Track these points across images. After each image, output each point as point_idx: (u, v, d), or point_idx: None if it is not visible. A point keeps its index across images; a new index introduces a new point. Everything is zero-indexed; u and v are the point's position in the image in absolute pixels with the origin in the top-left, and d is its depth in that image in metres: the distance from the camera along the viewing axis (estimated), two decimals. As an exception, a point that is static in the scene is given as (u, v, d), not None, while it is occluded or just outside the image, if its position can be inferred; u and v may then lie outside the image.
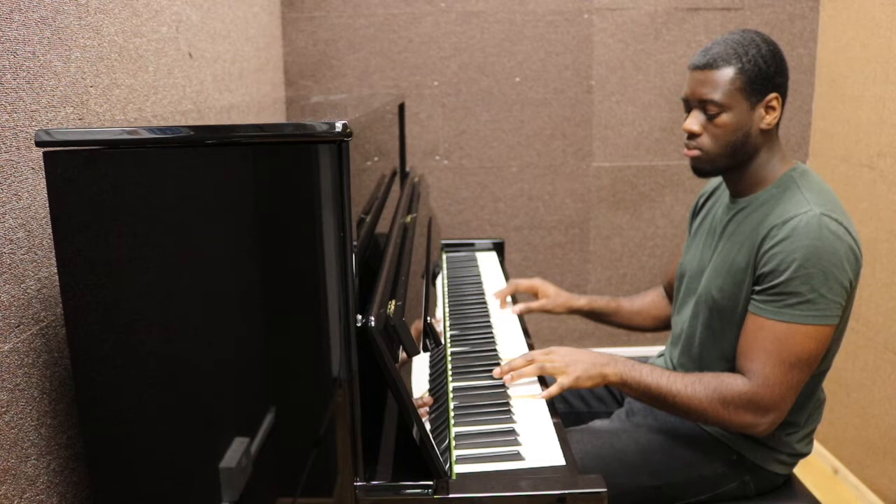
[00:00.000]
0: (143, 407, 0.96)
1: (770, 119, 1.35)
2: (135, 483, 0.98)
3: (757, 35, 1.35)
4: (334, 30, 2.72)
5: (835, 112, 2.52)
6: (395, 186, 1.85)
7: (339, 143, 0.91)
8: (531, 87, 2.77)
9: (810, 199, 1.29)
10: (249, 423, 0.96)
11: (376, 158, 1.46)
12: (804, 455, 1.45)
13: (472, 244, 2.34)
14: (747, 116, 1.34)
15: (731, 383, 1.30)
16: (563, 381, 1.34)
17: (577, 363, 1.36)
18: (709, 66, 1.33)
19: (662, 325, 1.79)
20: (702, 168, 1.39)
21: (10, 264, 0.98)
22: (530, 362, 1.38)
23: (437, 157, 2.81)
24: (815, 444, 2.50)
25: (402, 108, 2.24)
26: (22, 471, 0.99)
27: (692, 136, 1.37)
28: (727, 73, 1.31)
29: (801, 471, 1.53)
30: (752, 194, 1.40)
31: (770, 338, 1.28)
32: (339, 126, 0.90)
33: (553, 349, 1.41)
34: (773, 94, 1.34)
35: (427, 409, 1.27)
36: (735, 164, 1.38)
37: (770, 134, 1.38)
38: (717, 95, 1.32)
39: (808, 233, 1.25)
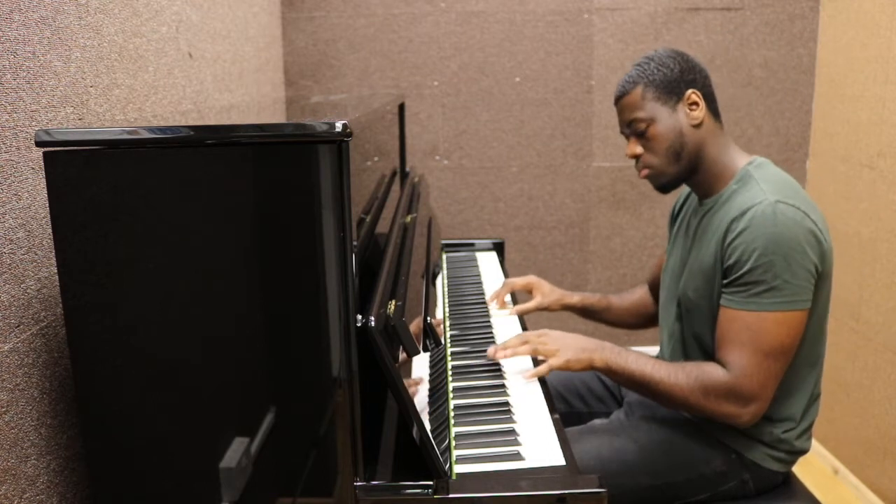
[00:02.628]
0: (143, 407, 0.96)
1: (696, 114, 1.41)
2: (135, 483, 0.98)
3: (658, 50, 1.46)
4: (334, 30, 2.72)
5: (835, 112, 2.52)
6: (395, 186, 1.85)
7: (339, 143, 0.91)
8: (531, 87, 2.77)
9: (766, 189, 1.32)
10: (249, 423, 0.96)
11: (376, 158, 1.46)
12: (803, 452, 1.45)
13: (472, 244, 2.34)
14: (673, 119, 1.41)
15: (711, 373, 1.32)
16: (553, 362, 1.40)
17: (568, 347, 1.42)
18: (622, 94, 1.45)
19: (650, 323, 1.83)
20: (660, 183, 1.47)
21: (10, 264, 0.98)
22: (524, 343, 1.44)
23: (437, 157, 2.81)
24: (815, 443, 2.51)
25: (402, 108, 2.24)
26: (22, 471, 0.99)
27: (637, 158, 1.46)
28: (637, 91, 1.42)
29: (801, 471, 1.53)
30: (716, 194, 1.44)
31: (742, 329, 1.30)
32: (339, 126, 0.90)
33: (545, 332, 1.47)
34: (689, 91, 1.41)
35: (428, 383, 1.30)
36: (686, 167, 1.44)
37: (708, 129, 1.43)
38: (638, 113, 1.42)
39: (765, 221, 1.28)
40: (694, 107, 1.41)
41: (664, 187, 1.48)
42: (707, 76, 1.45)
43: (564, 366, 1.40)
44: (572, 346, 1.42)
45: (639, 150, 1.45)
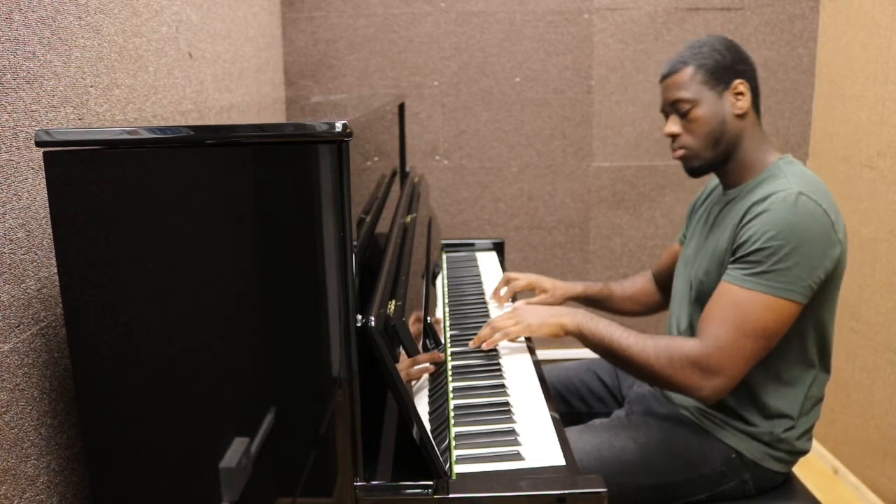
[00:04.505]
0: (143, 407, 0.96)
1: (742, 104, 1.42)
2: (135, 483, 0.98)
3: (711, 36, 1.46)
4: (334, 30, 2.72)
5: (835, 112, 2.52)
6: (395, 186, 1.85)
7: (339, 143, 0.91)
8: (531, 87, 2.77)
9: (792, 181, 1.33)
10: (249, 423, 0.96)
11: (376, 158, 1.46)
12: (803, 453, 1.45)
13: (472, 244, 2.34)
14: (718, 105, 1.41)
15: (682, 343, 1.33)
16: (513, 329, 1.45)
17: (533, 314, 1.46)
18: (671, 72, 1.45)
19: (651, 310, 1.85)
20: (692, 165, 1.47)
21: (10, 264, 0.98)
22: (494, 330, 1.48)
23: (437, 157, 2.81)
24: (815, 443, 2.51)
25: (402, 108, 2.24)
26: (22, 471, 0.99)
27: (674, 138, 1.46)
28: (687, 71, 1.42)
29: (801, 471, 1.53)
30: (742, 184, 1.44)
31: (730, 303, 1.31)
32: (339, 126, 0.90)
33: (517, 307, 1.52)
34: (738, 81, 1.42)
35: (431, 365, 1.33)
36: (721, 154, 1.44)
37: (748, 120, 1.43)
38: (684, 93, 1.42)
39: (785, 207, 1.29)
40: (740, 96, 1.41)
41: (695, 171, 1.48)
42: (756, 70, 1.45)
43: (526, 331, 1.44)
44: (538, 314, 1.45)
45: (677, 129, 1.45)
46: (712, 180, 1.63)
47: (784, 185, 1.32)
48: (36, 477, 1.02)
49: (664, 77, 1.47)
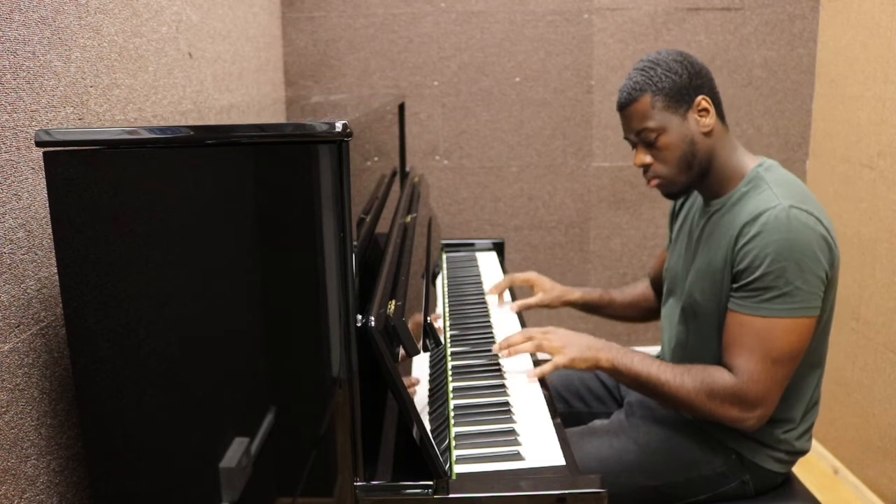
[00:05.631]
0: (143, 407, 0.96)
1: (707, 120, 1.37)
2: (135, 483, 0.98)
3: (661, 53, 1.40)
4: (334, 30, 2.72)
5: (835, 112, 2.52)
6: (395, 186, 1.85)
7: (339, 143, 0.91)
8: (531, 87, 2.77)
9: (779, 194, 1.30)
10: (249, 423, 0.96)
11: (376, 158, 1.46)
12: (803, 452, 1.45)
13: (472, 244, 2.34)
14: (684, 128, 1.37)
15: (717, 377, 1.31)
16: (558, 360, 1.39)
17: (574, 345, 1.40)
18: (629, 102, 1.38)
19: (651, 317, 1.83)
20: (670, 192, 1.44)
21: (10, 264, 0.98)
22: (528, 339, 1.43)
23: (437, 157, 2.81)
24: (815, 443, 2.51)
25: (402, 108, 2.24)
26: (22, 471, 0.99)
27: (646, 168, 1.41)
28: (646, 100, 1.36)
29: (801, 471, 1.53)
30: (724, 196, 1.41)
31: (751, 334, 1.29)
32: (339, 126, 0.90)
33: (551, 329, 1.45)
34: (699, 97, 1.37)
35: (428, 383, 1.31)
36: (696, 175, 1.40)
37: (717, 134, 1.39)
38: (649, 123, 1.36)
39: (779, 226, 1.26)
40: (704, 113, 1.37)
41: (675, 195, 1.45)
42: (711, 77, 1.41)
43: (569, 364, 1.38)
44: (577, 345, 1.40)
45: (648, 159, 1.40)
46: None
47: (771, 199, 1.29)
48: (36, 477, 1.02)
49: (622, 107, 1.40)
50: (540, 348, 1.41)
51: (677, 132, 1.36)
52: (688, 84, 1.36)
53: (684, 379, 1.33)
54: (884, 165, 2.17)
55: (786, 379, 1.31)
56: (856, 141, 2.35)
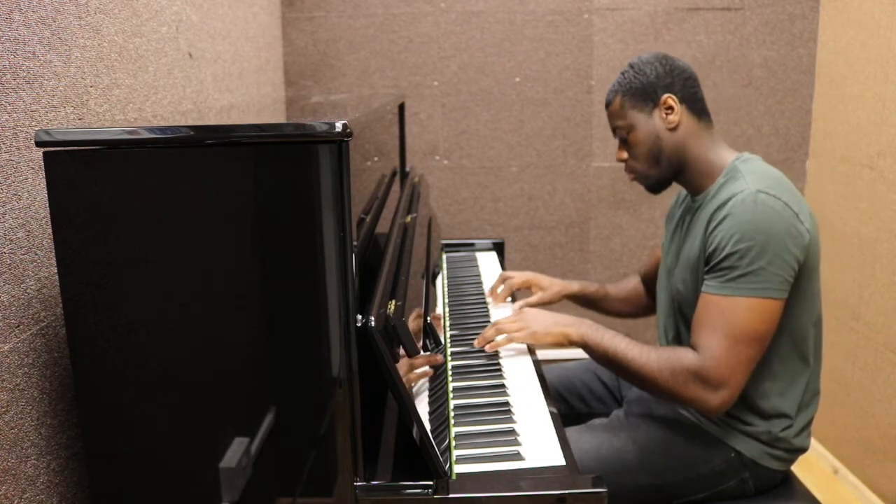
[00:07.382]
0: (143, 407, 0.96)
1: (672, 117, 1.45)
2: (135, 483, 0.98)
3: (643, 55, 1.50)
4: (334, 30, 2.72)
5: (835, 112, 2.52)
6: (395, 186, 1.85)
7: (339, 143, 0.91)
8: (531, 87, 2.77)
9: (749, 181, 1.34)
10: (249, 423, 0.96)
11: (376, 158, 1.46)
12: (802, 450, 1.45)
13: (472, 244, 2.34)
14: (650, 125, 1.46)
15: (682, 355, 1.33)
16: (517, 336, 1.48)
17: (538, 321, 1.48)
18: (607, 103, 1.53)
19: (643, 312, 1.87)
20: (647, 185, 1.53)
21: (10, 264, 0.98)
22: (498, 332, 1.50)
23: (437, 157, 2.81)
24: (815, 443, 2.51)
25: (402, 108, 2.24)
26: (22, 471, 0.99)
27: (625, 163, 1.53)
28: (617, 101, 1.49)
29: (801, 470, 1.53)
30: (705, 190, 1.46)
31: (715, 313, 1.31)
32: (339, 126, 0.90)
33: (523, 310, 1.54)
34: (665, 95, 1.45)
35: (430, 369, 1.33)
36: (667, 169, 1.48)
37: (688, 130, 1.46)
38: (619, 122, 1.49)
39: (745, 209, 1.30)
40: (669, 111, 1.44)
41: (652, 188, 1.53)
42: (689, 77, 1.47)
43: (531, 339, 1.47)
44: (542, 321, 1.48)
45: (624, 155, 1.52)
46: (682, 190, 1.64)
47: (741, 185, 1.34)
48: (36, 477, 1.02)
49: (606, 107, 1.53)
50: (511, 338, 1.49)
51: (644, 129, 1.46)
52: (654, 83, 1.45)
53: (650, 356, 1.35)
54: (884, 165, 2.17)
55: (751, 360, 1.31)
56: (856, 141, 2.35)
